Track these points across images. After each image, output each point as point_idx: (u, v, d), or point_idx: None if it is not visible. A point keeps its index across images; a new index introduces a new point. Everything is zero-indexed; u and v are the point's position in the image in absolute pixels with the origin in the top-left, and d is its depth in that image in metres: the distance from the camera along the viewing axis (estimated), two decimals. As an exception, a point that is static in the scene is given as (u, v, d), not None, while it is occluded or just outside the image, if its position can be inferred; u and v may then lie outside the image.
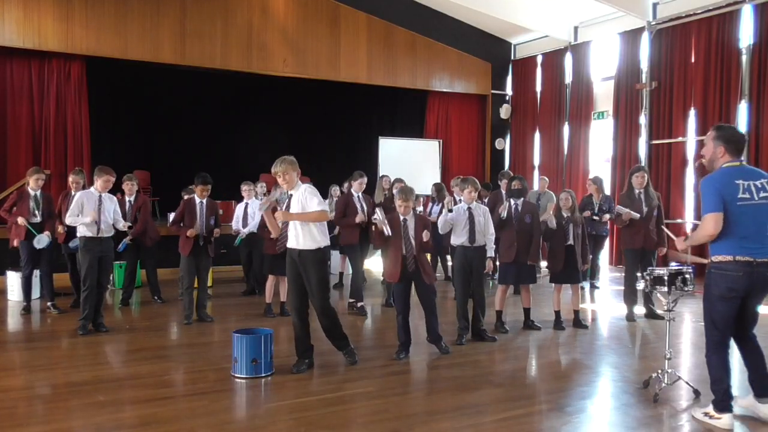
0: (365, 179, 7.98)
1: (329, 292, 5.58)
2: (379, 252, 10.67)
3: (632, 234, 7.31)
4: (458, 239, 6.42)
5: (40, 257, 7.58)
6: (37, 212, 7.45)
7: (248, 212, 8.69)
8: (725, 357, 4.20)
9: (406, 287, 5.82)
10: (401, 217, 5.76)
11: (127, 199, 8.21)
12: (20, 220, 7.34)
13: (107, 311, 7.46)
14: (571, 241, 6.93)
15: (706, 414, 4.25)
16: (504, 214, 6.74)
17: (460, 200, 8.51)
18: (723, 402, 4.16)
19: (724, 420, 4.14)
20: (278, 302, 7.61)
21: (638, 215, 7.20)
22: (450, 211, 6.41)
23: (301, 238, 5.24)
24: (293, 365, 5.29)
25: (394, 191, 8.22)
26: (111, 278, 8.85)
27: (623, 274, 7.86)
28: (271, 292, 7.53)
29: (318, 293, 5.28)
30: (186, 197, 7.72)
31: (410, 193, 5.81)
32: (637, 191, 7.37)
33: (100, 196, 6.56)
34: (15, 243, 7.54)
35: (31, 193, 7.50)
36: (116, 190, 8.28)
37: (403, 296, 5.82)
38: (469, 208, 6.42)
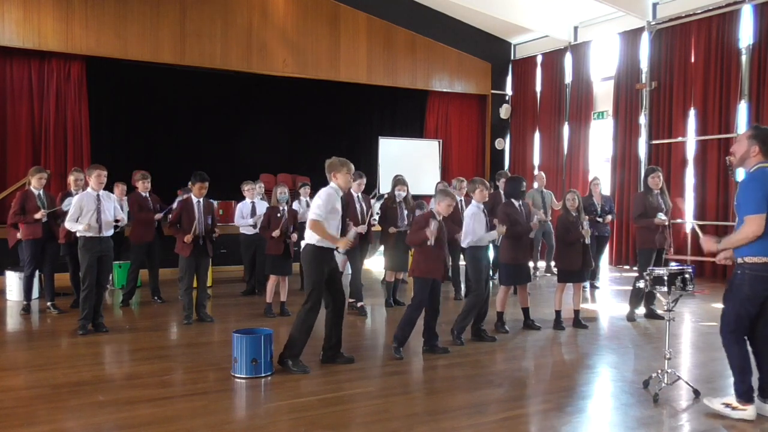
0: (363, 179, 7.97)
1: None
2: (378, 252, 10.70)
3: (650, 234, 7.33)
4: (479, 239, 6.42)
5: (44, 257, 7.57)
6: (43, 211, 7.44)
7: (257, 212, 8.70)
8: (745, 347, 4.21)
9: (435, 286, 5.91)
10: (439, 217, 5.87)
11: (143, 195, 8.32)
12: (40, 215, 7.31)
13: (107, 311, 7.46)
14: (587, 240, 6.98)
15: (727, 405, 4.23)
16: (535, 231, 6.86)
17: (460, 200, 8.54)
18: (748, 393, 4.15)
19: (749, 411, 4.13)
20: (278, 302, 7.61)
21: (665, 219, 7.23)
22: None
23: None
24: (293, 365, 5.29)
25: (397, 191, 8.24)
26: (111, 278, 8.85)
27: (635, 275, 7.84)
28: (272, 292, 7.53)
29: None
30: (183, 196, 7.71)
31: (451, 193, 6.02)
32: (654, 192, 7.41)
33: (98, 195, 6.56)
34: (18, 236, 7.51)
35: (35, 192, 7.50)
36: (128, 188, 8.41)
37: (432, 294, 5.88)
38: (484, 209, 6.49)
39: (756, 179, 4.09)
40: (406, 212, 8.19)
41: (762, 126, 4.33)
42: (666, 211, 7.35)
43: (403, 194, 8.23)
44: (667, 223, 7.28)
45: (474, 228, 6.39)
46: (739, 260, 4.16)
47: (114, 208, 6.72)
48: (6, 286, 8.48)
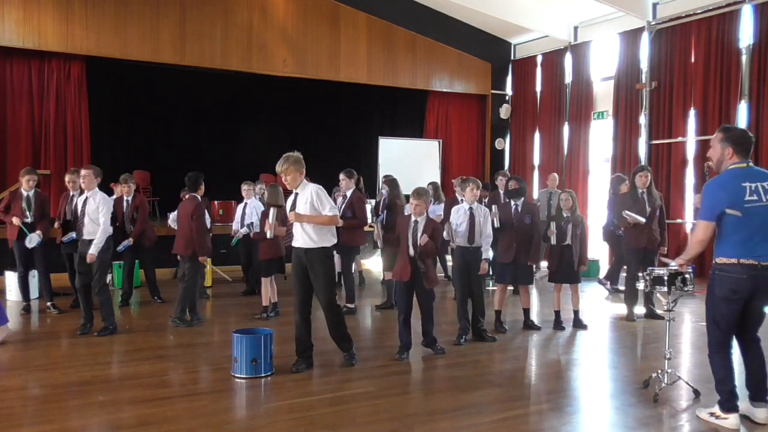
0: (345, 176, 7.99)
1: (335, 288, 5.62)
2: (378, 252, 10.69)
3: (636, 234, 7.31)
4: (458, 240, 6.41)
5: (34, 258, 7.56)
6: (28, 213, 7.43)
7: (246, 212, 8.69)
8: (728, 357, 4.19)
9: (409, 288, 5.78)
10: (412, 218, 5.75)
11: (125, 198, 8.22)
12: (15, 220, 7.35)
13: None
14: (569, 241, 6.93)
15: (712, 414, 4.24)
16: (497, 223, 6.70)
17: (461, 200, 8.53)
18: (729, 402, 4.15)
19: (730, 420, 4.13)
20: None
21: (644, 220, 7.19)
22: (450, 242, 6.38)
23: (308, 237, 5.24)
24: (293, 365, 5.29)
25: (384, 191, 8.23)
26: (110, 278, 8.83)
27: (625, 275, 7.85)
28: (265, 294, 7.49)
29: (325, 289, 5.31)
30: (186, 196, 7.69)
31: (423, 193, 5.78)
32: (640, 191, 7.36)
33: (86, 199, 6.47)
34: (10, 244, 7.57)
35: (24, 193, 7.50)
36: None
37: (405, 296, 5.80)
38: (470, 209, 6.41)
39: (718, 183, 4.07)
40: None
41: (731, 126, 4.30)
42: (653, 209, 7.30)
43: (385, 193, 8.19)
44: (642, 222, 7.19)
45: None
46: (713, 262, 4.18)
47: (98, 209, 6.45)
48: (6, 286, 8.48)
